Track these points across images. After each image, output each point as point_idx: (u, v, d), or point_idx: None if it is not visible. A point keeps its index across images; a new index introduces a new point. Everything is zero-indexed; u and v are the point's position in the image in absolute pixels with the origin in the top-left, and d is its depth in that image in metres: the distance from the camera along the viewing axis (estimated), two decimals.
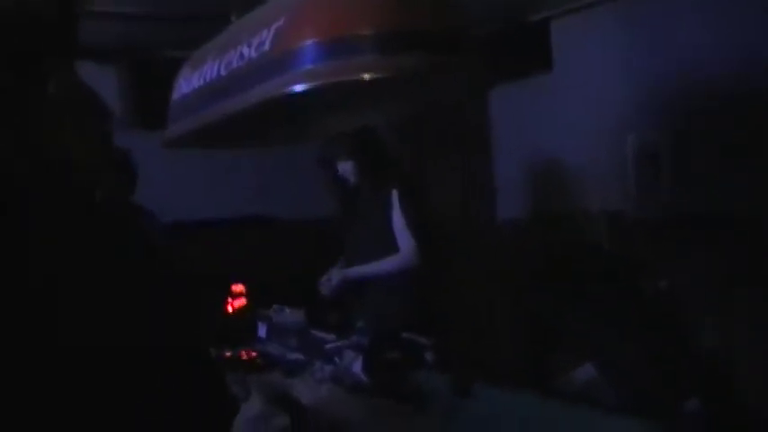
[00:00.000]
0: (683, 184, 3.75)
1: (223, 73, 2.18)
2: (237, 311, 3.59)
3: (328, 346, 2.85)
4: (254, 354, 3.05)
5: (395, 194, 3.48)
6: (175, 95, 2.52)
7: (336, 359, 2.77)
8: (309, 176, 4.25)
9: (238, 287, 3.68)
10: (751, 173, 3.43)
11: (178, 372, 0.88)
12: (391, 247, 3.49)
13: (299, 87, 1.83)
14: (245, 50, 2.06)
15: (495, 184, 4.75)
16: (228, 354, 2.92)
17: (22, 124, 0.90)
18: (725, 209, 3.51)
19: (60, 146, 0.95)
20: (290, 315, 3.24)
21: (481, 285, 4.52)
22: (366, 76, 1.78)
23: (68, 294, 0.83)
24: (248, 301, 3.64)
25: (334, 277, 3.61)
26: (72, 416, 0.81)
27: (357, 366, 2.67)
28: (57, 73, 0.92)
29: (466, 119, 4.67)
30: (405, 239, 3.46)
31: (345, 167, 3.50)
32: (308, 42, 1.83)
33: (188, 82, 2.42)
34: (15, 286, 0.81)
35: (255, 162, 4.79)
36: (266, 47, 1.95)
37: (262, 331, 3.31)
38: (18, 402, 0.79)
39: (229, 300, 3.59)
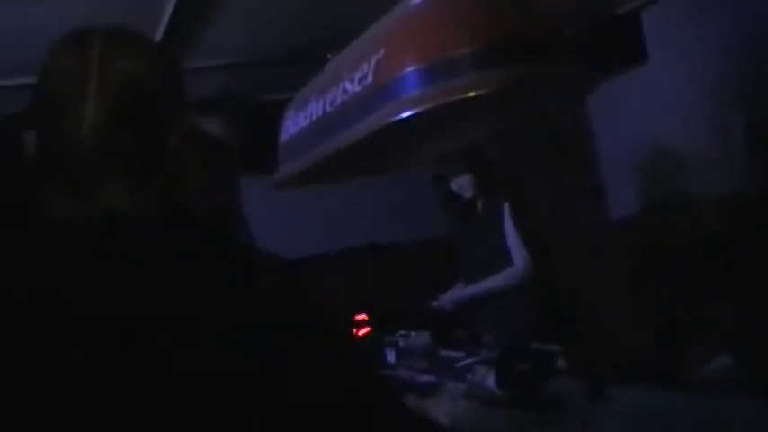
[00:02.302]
0: None
1: (329, 110, 2.24)
2: (362, 340, 3.64)
3: (459, 364, 2.86)
4: None
5: (506, 208, 3.49)
6: (283, 137, 2.60)
7: (468, 376, 2.78)
8: (417, 199, 4.29)
9: (360, 316, 3.74)
10: None
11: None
12: (506, 259, 3.49)
13: (405, 114, 1.87)
14: (348, 85, 2.12)
15: (601, 183, 4.69)
16: None
17: (149, 174, 0.95)
18: None
19: (185, 184, 0.99)
20: (417, 338, 3.27)
21: (603, 286, 4.46)
22: (469, 95, 1.81)
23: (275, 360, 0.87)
24: (372, 328, 3.69)
25: (453, 293, 3.64)
26: None
27: (490, 381, 2.67)
28: (174, 128, 0.98)
29: (564, 121, 4.64)
30: (518, 252, 3.47)
31: (461, 182, 3.54)
32: (409, 69, 1.87)
33: (294, 123, 2.49)
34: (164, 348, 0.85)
35: (359, 191, 4.85)
36: (369, 79, 2.00)
37: (390, 357, 3.34)
38: None
39: (353, 330, 3.64)
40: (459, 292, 3.65)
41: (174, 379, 0.83)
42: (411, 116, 1.88)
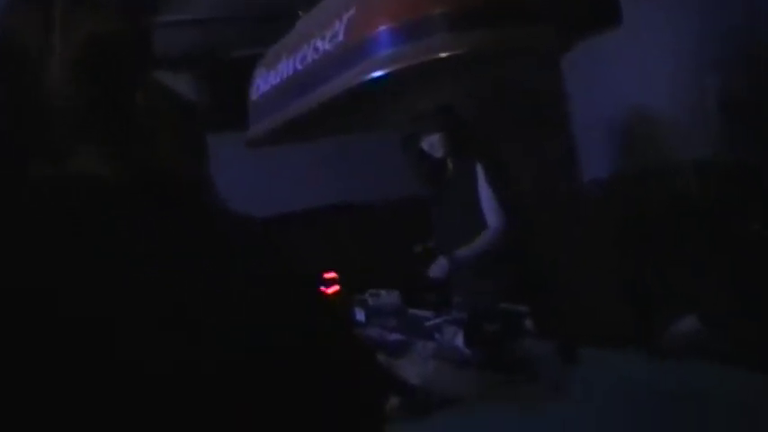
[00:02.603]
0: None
1: (300, 68, 2.21)
2: (332, 298, 3.64)
3: (428, 323, 2.87)
4: None
5: (480, 168, 3.47)
6: (254, 95, 2.57)
7: (437, 335, 2.80)
8: (388, 159, 4.27)
9: (330, 274, 3.73)
10: None
11: (334, 358, 0.90)
12: (480, 222, 3.49)
13: (377, 74, 1.84)
14: (320, 44, 2.09)
15: (575, 144, 4.69)
16: None
17: (118, 136, 0.93)
18: None
19: (157, 151, 0.98)
20: (387, 297, 3.28)
21: (575, 249, 4.49)
22: (442, 56, 1.79)
23: (205, 305, 0.85)
24: (341, 287, 3.69)
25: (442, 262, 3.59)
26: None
27: (459, 341, 2.69)
28: (140, 85, 0.96)
29: (538, 85, 4.62)
30: (493, 213, 3.46)
31: (431, 141, 3.51)
32: (382, 28, 1.85)
33: (265, 81, 2.46)
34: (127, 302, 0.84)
35: (331, 151, 4.83)
36: (340, 37, 1.97)
37: (360, 316, 3.36)
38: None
39: (322, 288, 3.64)
40: (443, 266, 3.59)
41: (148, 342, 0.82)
42: (383, 76, 1.86)
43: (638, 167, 4.28)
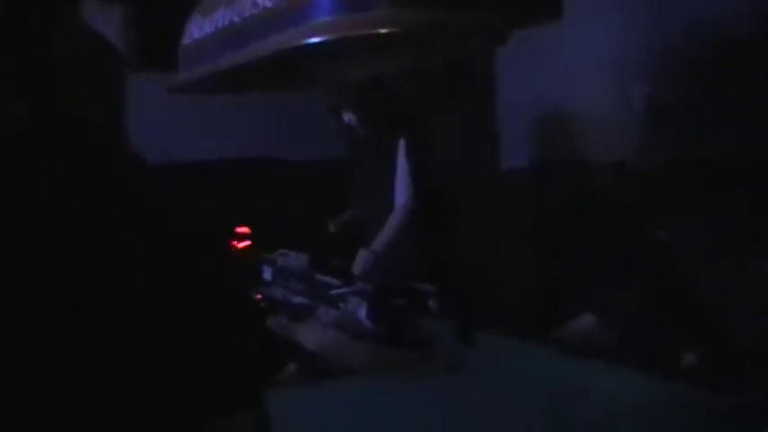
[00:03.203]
0: (688, 133, 3.74)
1: (236, 20, 2.16)
2: (242, 253, 3.61)
3: (333, 291, 2.88)
4: (258, 297, 3.09)
5: (402, 144, 3.44)
6: (185, 41, 2.51)
7: (341, 305, 2.81)
8: (313, 118, 4.23)
9: (242, 229, 3.70)
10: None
11: (222, 315, 0.90)
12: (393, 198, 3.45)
13: (314, 39, 1.82)
14: None
15: (498, 129, 4.73)
16: None
17: (30, 75, 0.89)
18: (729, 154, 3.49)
19: (73, 96, 0.94)
20: (295, 259, 3.27)
21: (487, 234, 4.54)
22: (382, 31, 1.78)
23: (102, 247, 0.84)
24: (253, 243, 3.66)
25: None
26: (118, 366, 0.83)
27: (362, 313, 2.70)
28: (61, 19, 0.91)
29: (469, 64, 4.64)
30: (401, 192, 3.42)
31: (350, 118, 3.47)
32: None
33: (199, 28, 2.41)
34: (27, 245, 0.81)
35: (258, 103, 4.75)
36: None
37: (267, 275, 3.34)
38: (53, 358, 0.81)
39: (233, 242, 3.61)
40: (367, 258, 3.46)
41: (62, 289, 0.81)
42: (319, 42, 1.84)
43: (557, 161, 4.34)
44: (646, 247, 3.73)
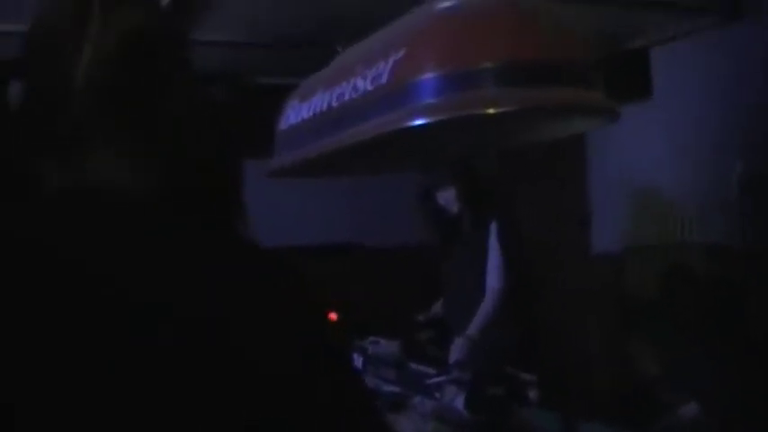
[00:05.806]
0: None
1: (335, 104, 2.16)
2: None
3: (429, 380, 2.79)
4: None
5: (494, 226, 3.39)
6: (282, 125, 2.52)
7: (437, 394, 2.72)
8: (401, 204, 4.21)
9: (331, 315, 3.64)
10: None
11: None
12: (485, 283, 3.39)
13: (419, 121, 1.79)
14: (360, 82, 2.04)
15: (589, 210, 4.65)
16: None
17: (143, 141, 0.85)
18: None
19: (189, 162, 0.89)
20: (387, 346, 3.20)
21: (578, 319, 4.42)
22: (490, 111, 1.74)
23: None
24: (341, 330, 3.60)
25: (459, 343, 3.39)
26: None
27: (459, 403, 2.61)
28: (175, 87, 0.89)
29: (561, 146, 4.59)
30: (494, 276, 3.36)
31: (446, 196, 3.42)
32: (429, 75, 1.80)
33: (296, 112, 2.41)
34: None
35: (347, 188, 4.75)
36: (383, 79, 1.92)
37: (357, 363, 3.27)
38: None
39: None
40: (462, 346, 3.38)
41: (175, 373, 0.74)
42: (424, 124, 1.80)
43: (647, 244, 4.23)
44: (749, 332, 3.58)
